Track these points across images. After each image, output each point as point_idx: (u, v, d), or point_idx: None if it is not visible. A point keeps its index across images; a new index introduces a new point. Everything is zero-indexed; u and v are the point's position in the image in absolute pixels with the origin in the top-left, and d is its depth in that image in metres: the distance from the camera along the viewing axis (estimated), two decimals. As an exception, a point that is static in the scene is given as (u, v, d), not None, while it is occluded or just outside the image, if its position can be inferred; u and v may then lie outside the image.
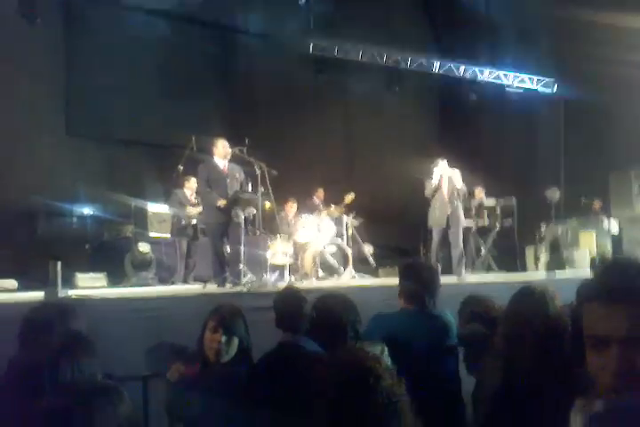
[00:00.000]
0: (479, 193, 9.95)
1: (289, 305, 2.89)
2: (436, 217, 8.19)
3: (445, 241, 8.19)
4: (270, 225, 8.28)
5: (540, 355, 2.34)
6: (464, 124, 12.72)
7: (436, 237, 8.23)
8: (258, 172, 6.55)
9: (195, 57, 11.48)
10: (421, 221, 8.43)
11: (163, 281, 8.42)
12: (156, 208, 8.91)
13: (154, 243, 8.71)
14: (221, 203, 6.48)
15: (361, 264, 9.61)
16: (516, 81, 12.18)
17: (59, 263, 4.62)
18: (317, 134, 11.94)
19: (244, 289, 5.85)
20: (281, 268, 8.45)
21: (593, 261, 9.38)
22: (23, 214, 8.90)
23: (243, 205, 6.64)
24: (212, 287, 6.47)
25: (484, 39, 12.43)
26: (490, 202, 9.63)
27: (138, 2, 10.56)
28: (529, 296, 2.53)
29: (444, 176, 8.23)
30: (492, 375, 2.48)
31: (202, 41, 11.76)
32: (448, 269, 7.88)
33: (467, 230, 9.37)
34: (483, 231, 9.55)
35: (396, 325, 3.05)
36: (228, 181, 6.69)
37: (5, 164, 8.82)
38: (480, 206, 9.49)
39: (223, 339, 2.62)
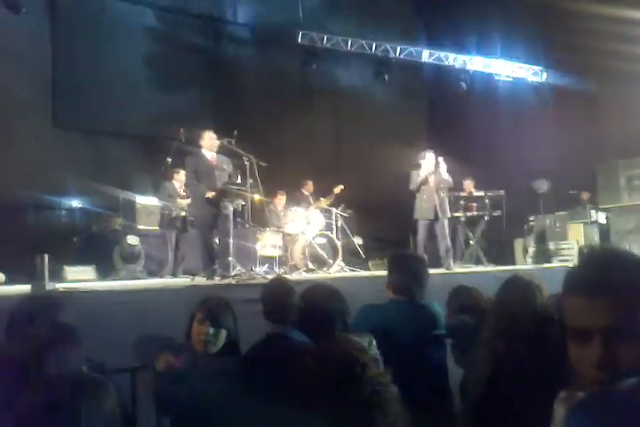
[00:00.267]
0: (468, 184, 9.98)
1: (277, 296, 2.89)
2: (423, 209, 8.23)
3: (432, 234, 8.24)
4: (259, 217, 8.28)
5: (528, 346, 2.35)
6: (453, 113, 12.72)
7: (422, 229, 8.28)
8: (246, 163, 6.54)
9: (183, 48, 11.41)
10: (411, 213, 8.46)
11: (152, 274, 8.41)
12: (144, 201, 8.88)
13: (142, 235, 8.68)
14: (210, 195, 6.45)
15: (350, 256, 9.63)
16: (506, 70, 12.18)
17: (46, 256, 4.59)
18: (306, 126, 11.91)
19: (233, 281, 5.85)
20: (270, 260, 8.45)
21: (581, 252, 9.45)
22: (11, 207, 8.83)
23: (231, 197, 6.63)
24: (200, 280, 6.46)
25: (472, 28, 12.41)
26: (479, 193, 9.66)
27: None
28: (516, 286, 2.54)
29: (431, 168, 8.28)
30: (480, 366, 2.49)
31: (190, 31, 11.69)
32: (435, 262, 7.91)
33: (456, 222, 9.42)
34: (471, 222, 9.58)
35: (385, 316, 3.05)
36: (217, 172, 6.66)
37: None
38: (469, 197, 9.52)
39: (211, 331, 2.62)
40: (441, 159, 8.26)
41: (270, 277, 5.90)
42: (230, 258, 6.41)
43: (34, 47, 9.81)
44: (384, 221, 10.86)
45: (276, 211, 9.22)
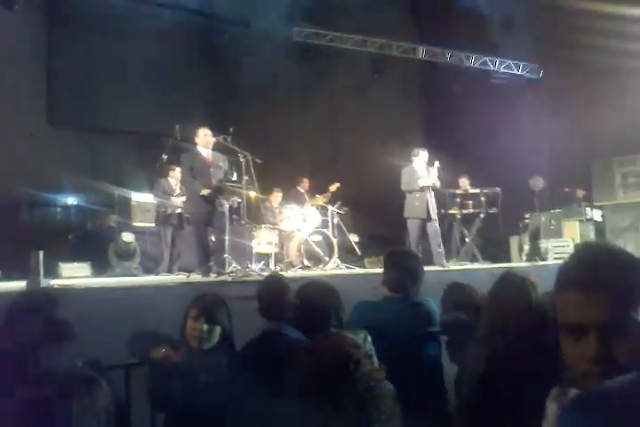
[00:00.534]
0: (464, 182, 9.99)
1: (273, 293, 2.89)
2: (415, 208, 8.29)
3: (424, 233, 8.30)
4: (255, 214, 8.27)
5: (523, 342, 2.36)
6: (449, 110, 12.72)
7: (414, 228, 8.34)
8: (242, 161, 6.53)
9: (179, 44, 11.38)
10: (406, 211, 8.51)
11: (147, 271, 8.40)
12: (139, 198, 8.86)
13: (138, 232, 8.66)
14: (205, 192, 6.45)
15: (346, 254, 9.63)
16: (502, 67, 12.18)
17: (41, 253, 4.58)
18: (302, 123, 11.89)
19: (229, 278, 5.85)
20: (266, 257, 8.44)
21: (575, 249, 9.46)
22: (6, 204, 8.80)
23: (227, 195, 6.62)
24: (196, 277, 6.45)
25: (469, 25, 12.40)
26: (474, 191, 9.67)
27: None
28: (510, 282, 2.54)
29: (423, 167, 8.38)
30: (475, 363, 2.49)
31: (186, 28, 11.65)
32: (428, 260, 7.93)
33: (451, 219, 9.44)
34: (467, 220, 9.59)
35: (380, 313, 3.06)
36: (212, 170, 6.66)
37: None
38: (465, 195, 9.53)
39: (205, 327, 2.62)
40: (437, 164, 8.33)
41: (266, 274, 5.90)
42: (226, 255, 6.41)
43: (29, 44, 9.77)
44: (380, 219, 10.86)
45: (272, 208, 9.22)
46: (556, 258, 9.60)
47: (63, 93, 10.10)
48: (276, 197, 9.46)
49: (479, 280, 3.54)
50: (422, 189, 8.28)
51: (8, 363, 1.51)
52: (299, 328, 2.75)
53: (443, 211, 9.15)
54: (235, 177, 6.69)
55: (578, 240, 9.89)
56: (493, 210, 9.40)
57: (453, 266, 8.51)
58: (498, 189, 9.47)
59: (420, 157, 8.49)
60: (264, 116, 11.19)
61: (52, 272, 6.58)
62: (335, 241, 8.86)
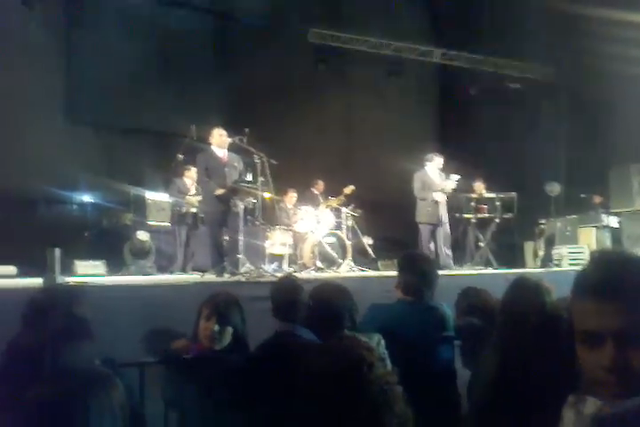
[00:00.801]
0: (479, 186, 9.94)
1: (286, 294, 2.89)
2: (427, 214, 8.34)
3: (434, 237, 8.38)
4: (269, 215, 8.29)
5: (536, 348, 2.34)
6: (465, 114, 12.68)
7: (426, 232, 8.43)
8: (257, 161, 6.55)
9: (195, 45, 11.44)
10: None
11: (161, 270, 8.44)
12: (155, 196, 8.92)
13: (153, 231, 8.72)
14: (219, 192, 6.46)
15: (360, 256, 9.62)
16: (518, 71, 12.11)
17: (57, 250, 4.62)
18: (317, 124, 11.91)
19: (243, 278, 5.85)
20: (279, 258, 8.46)
21: (592, 255, 9.37)
22: (23, 201, 8.89)
23: (242, 195, 6.63)
24: (210, 276, 6.47)
25: (485, 29, 12.35)
26: (490, 195, 9.62)
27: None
28: (523, 288, 2.52)
29: (437, 173, 8.44)
30: (488, 368, 2.48)
31: (202, 28, 11.71)
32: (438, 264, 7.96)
33: (466, 223, 9.40)
34: (482, 224, 9.53)
35: (393, 316, 3.05)
36: (227, 170, 6.68)
37: (5, 151, 8.80)
38: (480, 199, 9.48)
39: (216, 327, 2.62)
40: (456, 177, 8.37)
41: (279, 275, 5.91)
42: (240, 255, 6.41)
43: (48, 43, 9.86)
44: (394, 222, 10.82)
45: (287, 209, 9.23)
46: (570, 264, 9.52)
47: (81, 92, 10.18)
48: (291, 198, 9.47)
49: (494, 285, 3.51)
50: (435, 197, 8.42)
51: (26, 360, 1.52)
52: (311, 329, 2.75)
53: (457, 215, 9.14)
54: (250, 178, 6.71)
55: (593, 247, 9.79)
56: (509, 215, 9.32)
57: (468, 270, 8.49)
58: (513, 194, 9.39)
59: (435, 163, 8.55)
60: (280, 117, 11.22)
61: (66, 269, 6.62)
62: (349, 243, 8.85)
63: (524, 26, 11.76)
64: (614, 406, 1.08)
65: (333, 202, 9.28)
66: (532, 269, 9.51)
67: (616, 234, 10.10)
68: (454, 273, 7.79)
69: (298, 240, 8.81)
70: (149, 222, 8.75)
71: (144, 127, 10.70)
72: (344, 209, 9.31)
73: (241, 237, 6.50)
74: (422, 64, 12.39)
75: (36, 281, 4.70)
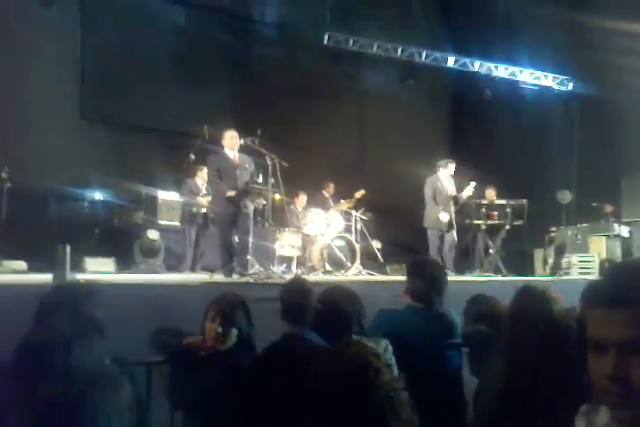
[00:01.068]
0: (490, 192, 9.91)
1: (295, 297, 2.87)
2: (436, 220, 8.35)
3: (442, 242, 8.42)
4: (279, 217, 8.30)
5: (543, 357, 2.33)
6: (477, 120, 12.67)
7: (434, 238, 8.46)
8: (269, 163, 6.55)
9: (210, 45, 11.48)
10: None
11: (170, 269, 8.46)
12: (166, 196, 8.95)
13: (163, 230, 8.75)
14: (230, 193, 6.48)
15: (368, 260, 9.61)
16: (531, 78, 12.07)
17: (68, 247, 4.64)
18: (330, 127, 11.91)
19: (251, 280, 5.87)
20: (288, 260, 8.47)
21: (602, 265, 9.33)
22: (35, 198, 8.94)
23: (252, 197, 6.65)
24: (219, 277, 6.49)
25: (499, 35, 12.32)
26: (500, 202, 9.59)
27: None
28: (529, 296, 2.51)
29: (449, 180, 8.47)
30: (496, 377, 2.47)
31: (217, 30, 11.76)
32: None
33: (476, 229, 9.38)
34: (492, 231, 9.50)
35: (402, 322, 3.04)
36: (238, 171, 6.68)
37: (19, 147, 8.88)
38: (490, 205, 9.45)
39: (220, 329, 2.64)
40: (473, 184, 8.47)
41: (288, 276, 5.92)
42: (249, 256, 6.42)
43: (63, 41, 9.93)
44: (403, 226, 10.81)
45: (297, 211, 9.23)
46: (580, 273, 9.48)
47: (95, 91, 10.24)
48: (301, 200, 9.48)
49: (503, 292, 3.50)
50: (448, 201, 8.43)
51: (37, 358, 1.53)
52: (319, 333, 2.75)
53: (468, 221, 9.13)
54: (261, 179, 6.72)
55: (604, 256, 9.74)
56: (519, 222, 9.29)
57: (477, 277, 8.48)
58: (524, 201, 9.36)
59: (448, 169, 8.56)
60: (292, 119, 11.23)
61: (76, 266, 6.66)
62: (358, 247, 8.85)
63: (538, 34, 11.74)
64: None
65: (344, 205, 9.28)
66: (541, 277, 9.47)
67: (626, 243, 10.05)
68: (463, 279, 7.78)
69: (307, 243, 8.82)
70: (160, 222, 8.78)
71: (157, 127, 10.74)
72: (354, 212, 9.31)
73: (250, 239, 6.51)
74: (436, 69, 12.37)
75: (47, 277, 4.73)
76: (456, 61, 12.13)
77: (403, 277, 3.34)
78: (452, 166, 8.60)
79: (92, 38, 10.28)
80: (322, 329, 2.76)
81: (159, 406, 2.69)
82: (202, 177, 8.44)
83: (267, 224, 7.46)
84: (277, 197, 7.12)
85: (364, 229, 9.49)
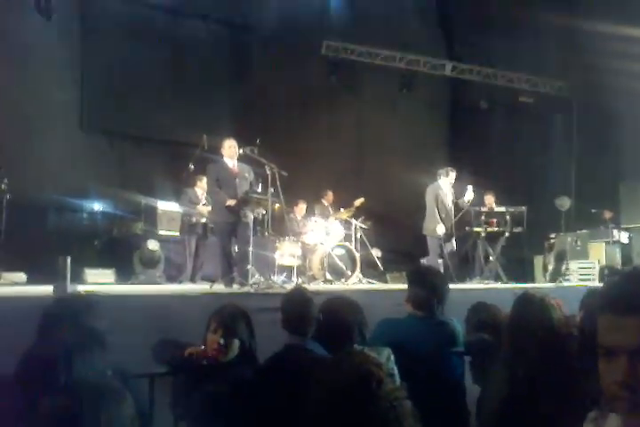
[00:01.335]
0: (489, 199, 9.91)
1: (297, 307, 2.86)
2: (440, 227, 8.35)
3: (442, 250, 8.43)
4: (279, 226, 8.29)
5: (543, 364, 2.33)
6: (476, 127, 12.70)
7: (434, 246, 8.46)
8: (268, 172, 6.55)
9: (209, 56, 11.53)
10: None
11: (170, 279, 8.45)
12: (166, 206, 8.95)
13: (163, 241, 8.74)
14: (230, 203, 6.48)
15: (368, 268, 9.60)
16: (530, 85, 12.11)
17: (68, 258, 4.63)
18: (328, 136, 11.95)
19: (252, 289, 5.85)
20: (288, 269, 8.46)
21: (602, 272, 9.33)
22: (34, 209, 8.94)
23: (252, 206, 6.65)
24: (219, 287, 6.48)
25: (497, 42, 12.37)
26: (500, 209, 9.60)
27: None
28: (529, 303, 2.52)
29: (449, 188, 8.50)
30: (498, 385, 2.47)
31: (216, 40, 11.80)
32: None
33: (476, 237, 9.37)
34: (492, 238, 9.49)
35: (403, 331, 3.04)
36: (238, 181, 6.69)
37: (18, 158, 8.88)
38: (490, 213, 9.46)
39: (222, 340, 2.63)
40: (470, 188, 8.47)
41: (288, 286, 5.91)
42: (249, 266, 6.41)
43: (63, 53, 9.98)
44: (403, 234, 10.82)
45: (296, 220, 9.23)
46: (580, 279, 9.47)
47: (95, 102, 10.28)
48: (301, 209, 9.48)
49: (503, 299, 3.50)
50: (449, 209, 8.45)
51: (40, 371, 1.53)
52: (321, 343, 2.74)
53: (467, 228, 9.12)
54: (260, 188, 6.72)
55: (603, 262, 9.74)
56: (518, 229, 9.28)
57: (477, 285, 8.47)
58: (523, 208, 9.36)
59: (449, 178, 8.58)
60: (291, 128, 11.27)
61: (76, 277, 6.64)
62: (358, 255, 8.84)
63: (535, 41, 11.79)
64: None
65: (343, 214, 9.28)
66: (541, 284, 9.47)
67: (626, 249, 10.05)
68: (463, 287, 7.77)
69: (307, 252, 8.81)
70: (160, 232, 8.78)
71: (156, 137, 10.77)
72: (354, 221, 9.31)
73: (250, 248, 6.51)
74: (434, 77, 12.42)
75: (47, 289, 4.72)
76: (454, 69, 12.18)
77: (404, 286, 3.33)
78: (452, 174, 8.62)
79: (91, 49, 10.33)
80: (323, 339, 2.75)
81: (162, 418, 2.68)
82: (201, 187, 8.44)
83: (266, 233, 7.45)
84: (277, 206, 7.11)
85: (364, 238, 9.48)
